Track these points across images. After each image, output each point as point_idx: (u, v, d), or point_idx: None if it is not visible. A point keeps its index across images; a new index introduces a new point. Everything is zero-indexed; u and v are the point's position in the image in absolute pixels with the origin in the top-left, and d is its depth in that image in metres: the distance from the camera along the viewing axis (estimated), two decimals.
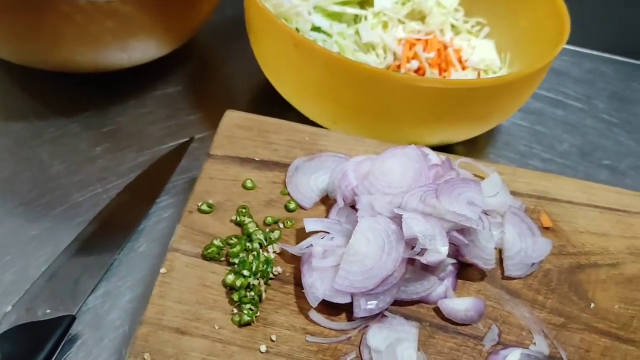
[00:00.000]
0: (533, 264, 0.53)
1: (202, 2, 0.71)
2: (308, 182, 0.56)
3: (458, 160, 0.59)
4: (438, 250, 0.47)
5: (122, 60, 0.68)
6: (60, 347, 0.49)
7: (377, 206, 0.50)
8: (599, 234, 0.57)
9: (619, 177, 0.77)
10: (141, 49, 0.68)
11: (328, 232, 0.51)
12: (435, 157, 0.56)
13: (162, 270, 0.47)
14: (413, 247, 0.48)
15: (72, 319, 0.50)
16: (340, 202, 0.53)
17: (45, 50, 0.64)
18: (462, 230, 0.50)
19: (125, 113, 0.72)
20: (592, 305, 0.51)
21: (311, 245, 0.49)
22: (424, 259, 0.47)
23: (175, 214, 0.62)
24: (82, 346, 0.51)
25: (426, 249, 0.47)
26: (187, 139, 0.69)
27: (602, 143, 0.81)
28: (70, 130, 0.68)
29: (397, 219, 0.49)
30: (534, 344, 0.48)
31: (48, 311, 0.50)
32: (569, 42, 0.94)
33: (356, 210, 0.52)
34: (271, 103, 0.72)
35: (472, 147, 0.77)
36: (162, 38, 0.70)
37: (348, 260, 0.47)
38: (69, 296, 0.52)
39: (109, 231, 0.58)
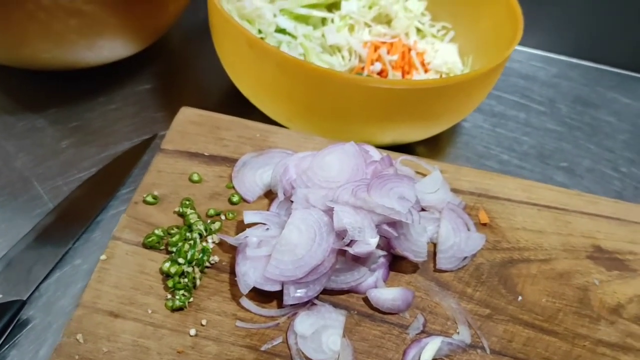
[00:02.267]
0: (465, 257, 0.55)
1: (168, 3, 0.74)
2: (254, 176, 0.58)
3: (400, 158, 0.61)
4: (367, 242, 0.49)
5: (89, 58, 0.71)
6: (10, 329, 0.51)
7: (311, 199, 0.52)
8: (535, 231, 0.59)
9: (576, 179, 0.79)
10: (107, 48, 0.71)
11: (265, 224, 0.53)
12: (376, 154, 0.58)
13: (102, 257, 0.50)
14: (344, 239, 0.50)
15: (23, 303, 0.53)
16: (280, 196, 0.55)
17: (10, 47, 0.67)
18: (394, 224, 0.52)
19: (93, 109, 0.74)
20: (520, 298, 0.53)
21: (247, 236, 0.51)
22: (352, 250, 0.49)
23: None
24: (32, 330, 0.54)
25: (355, 241, 0.49)
26: (151, 136, 0.72)
27: (562, 146, 0.83)
28: (37, 125, 0.71)
29: (330, 212, 0.51)
30: (457, 333, 0.50)
31: (0, 296, 0.53)
32: (537, 47, 0.97)
33: None
34: (236, 103, 0.74)
35: (433, 147, 0.79)
36: (129, 38, 0.72)
37: (280, 249, 0.49)
38: (22, 282, 0.55)
39: (66, 222, 0.61)
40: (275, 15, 0.79)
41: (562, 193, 0.63)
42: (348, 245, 0.49)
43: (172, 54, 0.86)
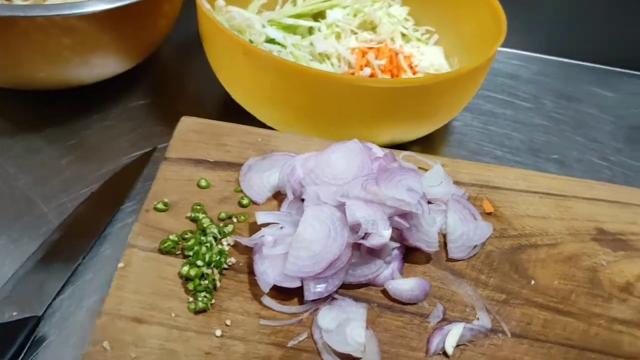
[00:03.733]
0: (475, 246, 0.56)
1: (159, 18, 0.74)
2: (261, 179, 0.58)
3: (402, 154, 0.62)
4: (380, 234, 0.50)
5: (83, 76, 0.71)
6: (27, 347, 0.51)
7: (322, 196, 0.53)
8: (539, 217, 0.60)
9: (567, 170, 0.81)
10: (100, 65, 0.71)
11: (278, 223, 0.53)
12: (379, 151, 0.59)
13: (120, 264, 0.50)
14: (358, 233, 0.51)
15: (38, 319, 0.52)
16: (290, 196, 0.56)
17: (6, 68, 0.67)
18: (405, 216, 0.53)
19: (90, 127, 0.74)
20: (533, 282, 0.54)
21: (263, 235, 0.52)
22: (367, 243, 0.50)
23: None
24: (48, 346, 0.53)
25: (369, 233, 0.50)
26: (150, 149, 0.72)
27: (550, 139, 0.85)
28: (36, 145, 0.71)
29: (342, 207, 0.52)
30: (477, 319, 0.51)
31: (14, 313, 0.52)
32: (516, 47, 1.00)
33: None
34: (232, 112, 0.74)
35: (427, 146, 0.81)
36: (121, 54, 0.73)
37: (296, 246, 0.50)
38: (35, 299, 0.54)
39: (74, 237, 0.61)
40: (263, 26, 0.80)
41: (558, 180, 0.64)
42: (363, 238, 0.50)
43: (165, 67, 0.86)
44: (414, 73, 0.83)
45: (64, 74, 0.70)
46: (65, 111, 0.75)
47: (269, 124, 0.71)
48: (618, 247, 0.58)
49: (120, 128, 0.75)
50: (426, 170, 0.62)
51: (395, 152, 0.63)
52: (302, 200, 0.55)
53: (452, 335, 0.49)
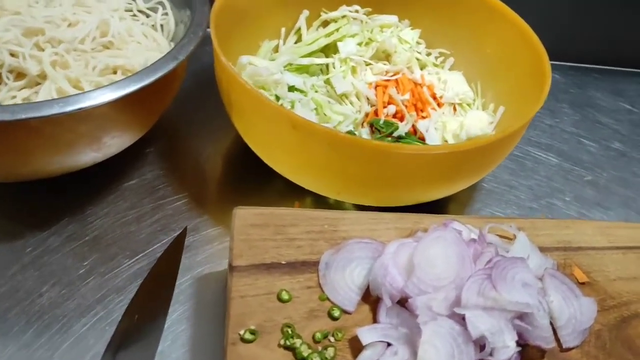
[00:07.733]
0: (584, 329, 0.52)
1: (174, 79, 0.65)
2: (344, 280, 0.52)
3: (487, 227, 0.57)
4: (507, 345, 0.46)
5: (96, 158, 0.62)
6: None
7: (434, 306, 0.47)
8: (630, 279, 0.57)
9: (604, 193, 0.78)
10: (116, 145, 0.62)
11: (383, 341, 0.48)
12: (467, 233, 0.54)
13: None
14: (480, 345, 0.46)
15: None
16: (388, 302, 0.50)
17: (14, 166, 0.57)
18: (521, 316, 0.48)
19: (105, 213, 0.65)
20: None
21: None
22: (496, 359, 0.45)
23: (190, 327, 0.57)
24: None
25: (495, 347, 0.45)
26: (180, 231, 0.64)
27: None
28: (50, 245, 0.61)
29: (457, 316, 0.47)
30: None
31: None
32: None
33: (404, 306, 0.50)
34: (253, 166, 0.68)
35: (462, 200, 0.76)
36: (136, 127, 0.63)
37: None
38: None
39: None
40: (281, 72, 0.72)
41: (635, 229, 0.61)
42: (490, 354, 0.45)
43: (167, 129, 0.76)
44: (439, 105, 0.78)
45: (77, 160, 0.60)
46: (73, 198, 0.65)
47: (316, 191, 0.64)
48: None
49: (139, 209, 0.66)
50: (505, 238, 0.57)
51: (477, 222, 0.57)
52: (398, 302, 0.50)
53: None
